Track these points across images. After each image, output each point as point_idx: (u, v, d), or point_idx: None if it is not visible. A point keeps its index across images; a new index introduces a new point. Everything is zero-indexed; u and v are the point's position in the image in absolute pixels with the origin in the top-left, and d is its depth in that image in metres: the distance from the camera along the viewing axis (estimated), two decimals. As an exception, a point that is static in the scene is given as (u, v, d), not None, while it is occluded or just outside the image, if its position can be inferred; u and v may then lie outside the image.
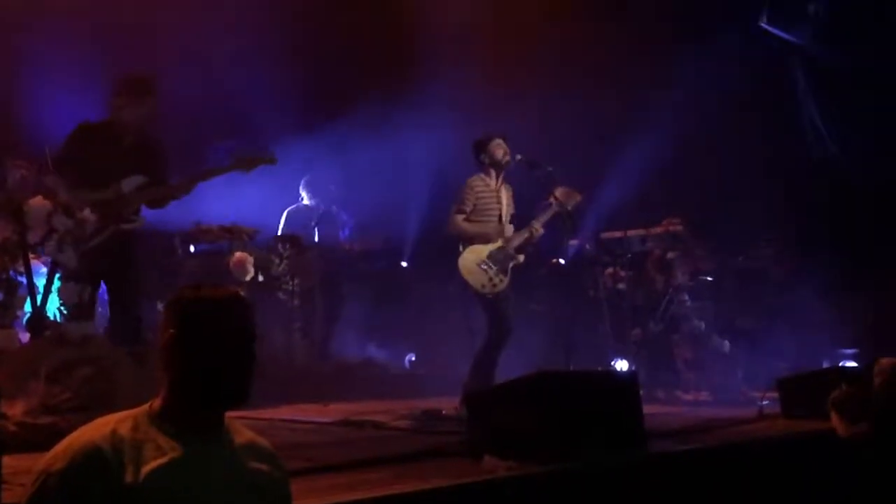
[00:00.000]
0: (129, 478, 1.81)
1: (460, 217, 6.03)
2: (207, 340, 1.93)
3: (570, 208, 6.27)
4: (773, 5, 9.05)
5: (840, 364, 7.75)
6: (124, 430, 1.88)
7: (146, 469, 1.83)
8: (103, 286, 5.64)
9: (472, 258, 5.91)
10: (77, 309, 5.40)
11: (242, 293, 7.15)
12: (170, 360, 1.94)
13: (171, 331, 1.95)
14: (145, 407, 1.96)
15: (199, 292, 2.01)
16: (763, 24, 9.02)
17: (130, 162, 5.43)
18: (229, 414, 2.02)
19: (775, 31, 9.25)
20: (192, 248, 7.43)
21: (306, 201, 8.13)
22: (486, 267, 5.88)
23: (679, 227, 8.23)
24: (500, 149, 6.09)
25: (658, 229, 8.14)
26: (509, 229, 6.14)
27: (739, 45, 9.01)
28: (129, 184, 5.41)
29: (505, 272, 5.91)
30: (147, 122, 5.51)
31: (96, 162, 5.38)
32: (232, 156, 5.65)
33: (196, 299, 1.99)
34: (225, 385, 1.95)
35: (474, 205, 6.04)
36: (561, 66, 9.08)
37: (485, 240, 5.98)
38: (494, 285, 5.87)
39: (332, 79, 9.13)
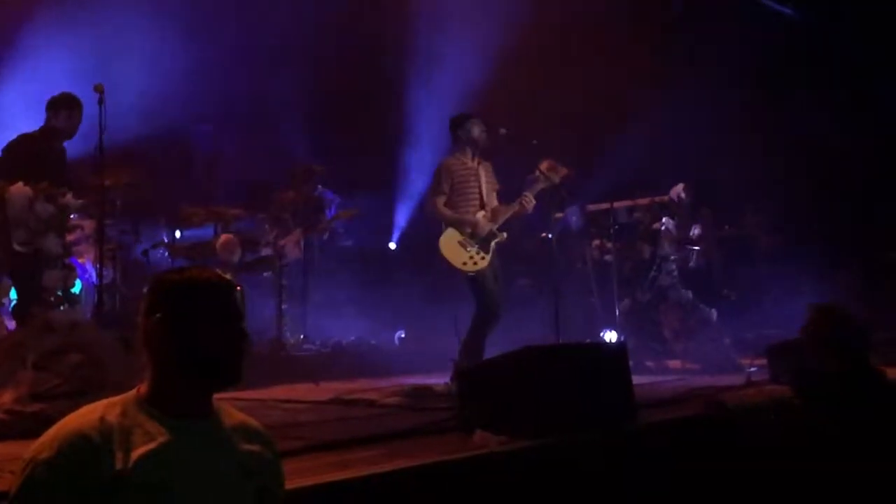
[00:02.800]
0: (118, 464, 1.80)
1: (441, 200, 6.00)
2: (199, 322, 1.91)
3: (557, 181, 6.26)
4: None
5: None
6: (112, 416, 1.86)
7: (135, 455, 1.81)
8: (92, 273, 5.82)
9: (453, 236, 5.91)
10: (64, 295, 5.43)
11: (229, 274, 7.17)
12: (158, 343, 1.92)
13: (159, 314, 1.92)
14: (133, 392, 1.94)
15: (184, 274, 1.98)
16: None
17: (62, 170, 6.02)
18: (221, 395, 2.02)
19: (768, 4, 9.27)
20: (177, 234, 7.40)
21: (293, 189, 8.10)
22: (467, 244, 5.88)
23: (665, 198, 8.26)
24: (476, 126, 6.05)
25: (644, 200, 8.16)
26: (493, 205, 6.12)
27: (734, 17, 9.01)
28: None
29: (487, 250, 5.90)
30: (73, 133, 6.15)
31: (34, 169, 5.77)
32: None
33: (183, 281, 1.96)
34: (219, 366, 1.93)
35: (452, 185, 6.01)
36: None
37: (466, 224, 5.96)
38: (475, 263, 5.86)
39: (325, 62, 9.05)
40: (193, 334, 1.90)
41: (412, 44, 8.95)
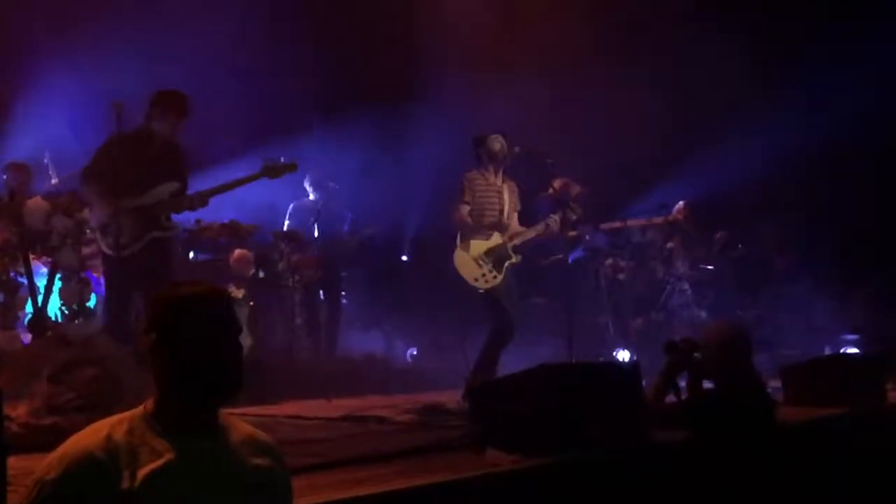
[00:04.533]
0: (125, 483, 1.80)
1: (465, 209, 6.00)
2: (189, 337, 1.92)
3: (570, 199, 6.27)
4: None
5: (842, 350, 7.76)
6: (119, 434, 1.86)
7: (142, 473, 1.81)
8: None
9: (468, 252, 5.90)
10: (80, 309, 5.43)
11: (243, 290, 7.09)
12: (156, 361, 1.94)
13: (152, 334, 1.94)
14: (140, 409, 1.95)
15: (176, 291, 2.00)
16: None
17: (159, 170, 5.53)
18: (232, 410, 2.02)
19: None
20: (191, 255, 7.43)
21: (311, 197, 8.11)
22: (480, 261, 5.87)
23: (679, 217, 8.24)
24: (497, 143, 6.05)
25: (658, 219, 8.15)
26: (514, 226, 6.11)
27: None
28: (164, 190, 5.51)
29: (499, 269, 5.88)
30: (175, 135, 5.67)
31: (128, 170, 5.44)
32: (262, 164, 5.82)
33: (174, 298, 1.98)
34: (212, 380, 1.93)
35: (473, 199, 6.01)
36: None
37: (484, 236, 5.95)
38: (487, 280, 5.84)
39: (336, 74, 9.10)
40: (186, 350, 1.91)
41: (434, 56, 8.97)
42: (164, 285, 5.14)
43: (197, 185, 5.80)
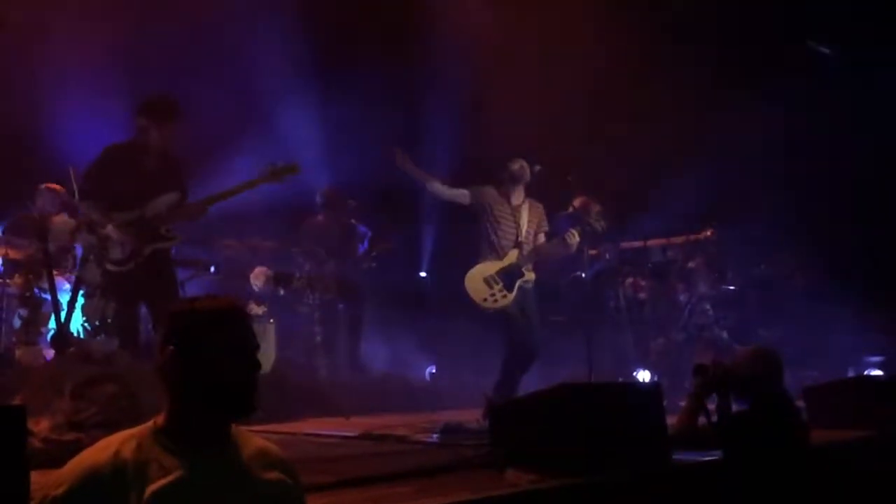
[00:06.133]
0: (132, 502, 1.80)
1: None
2: (207, 353, 1.92)
3: (591, 217, 6.24)
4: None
5: (866, 372, 7.66)
6: (127, 451, 1.86)
7: (149, 491, 1.81)
8: None
9: (480, 271, 5.83)
10: (103, 326, 5.46)
11: (263, 307, 7.08)
12: (172, 375, 1.94)
13: (170, 347, 1.94)
14: (149, 424, 1.95)
15: (194, 305, 2.00)
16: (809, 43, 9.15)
17: (156, 181, 5.52)
18: (251, 427, 2.02)
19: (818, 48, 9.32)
20: (211, 269, 7.47)
21: (326, 214, 8.13)
22: (490, 281, 5.79)
23: (700, 237, 8.20)
24: (516, 163, 6.05)
25: (679, 238, 8.10)
26: (541, 245, 6.07)
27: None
28: (162, 202, 5.49)
29: (510, 288, 5.79)
30: (170, 144, 5.59)
31: (124, 183, 5.45)
32: (260, 169, 5.72)
33: (192, 312, 1.98)
34: (229, 397, 1.94)
35: (490, 217, 5.98)
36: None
37: (499, 255, 5.88)
38: (496, 300, 5.76)
39: (353, 82, 9.10)
40: (204, 365, 1.92)
41: (450, 74, 8.97)
42: (170, 295, 5.13)
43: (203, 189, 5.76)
